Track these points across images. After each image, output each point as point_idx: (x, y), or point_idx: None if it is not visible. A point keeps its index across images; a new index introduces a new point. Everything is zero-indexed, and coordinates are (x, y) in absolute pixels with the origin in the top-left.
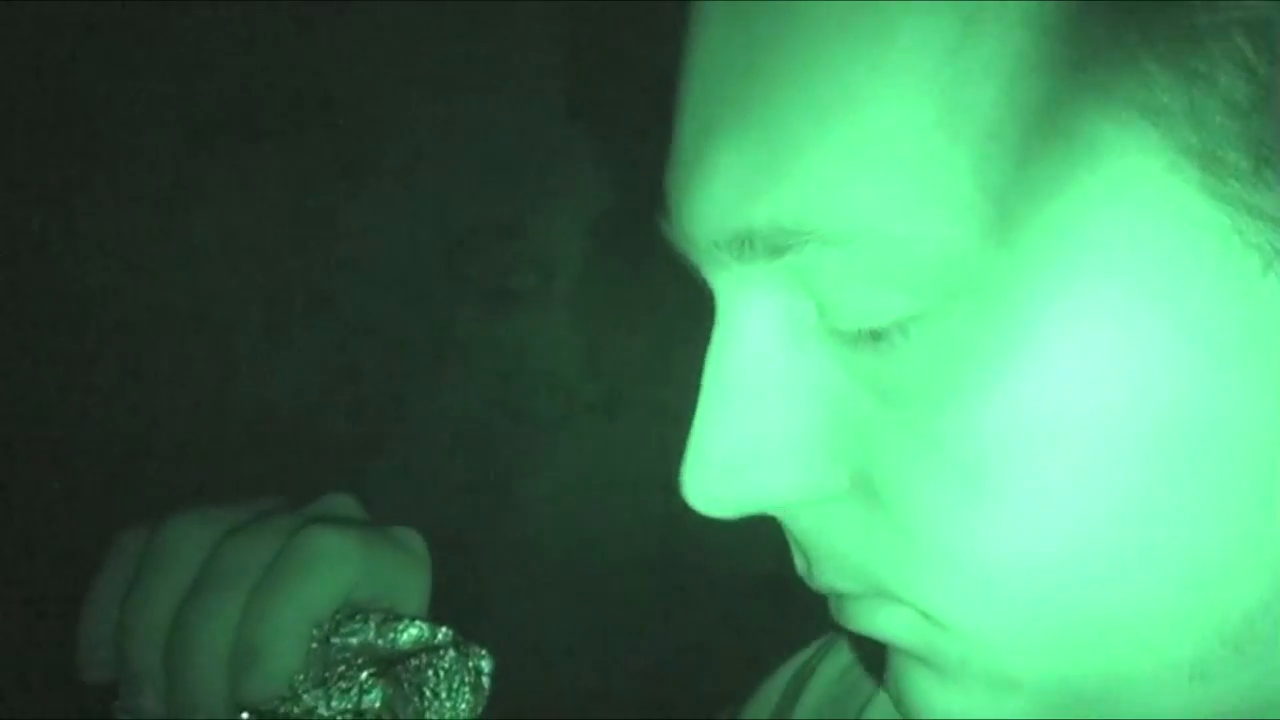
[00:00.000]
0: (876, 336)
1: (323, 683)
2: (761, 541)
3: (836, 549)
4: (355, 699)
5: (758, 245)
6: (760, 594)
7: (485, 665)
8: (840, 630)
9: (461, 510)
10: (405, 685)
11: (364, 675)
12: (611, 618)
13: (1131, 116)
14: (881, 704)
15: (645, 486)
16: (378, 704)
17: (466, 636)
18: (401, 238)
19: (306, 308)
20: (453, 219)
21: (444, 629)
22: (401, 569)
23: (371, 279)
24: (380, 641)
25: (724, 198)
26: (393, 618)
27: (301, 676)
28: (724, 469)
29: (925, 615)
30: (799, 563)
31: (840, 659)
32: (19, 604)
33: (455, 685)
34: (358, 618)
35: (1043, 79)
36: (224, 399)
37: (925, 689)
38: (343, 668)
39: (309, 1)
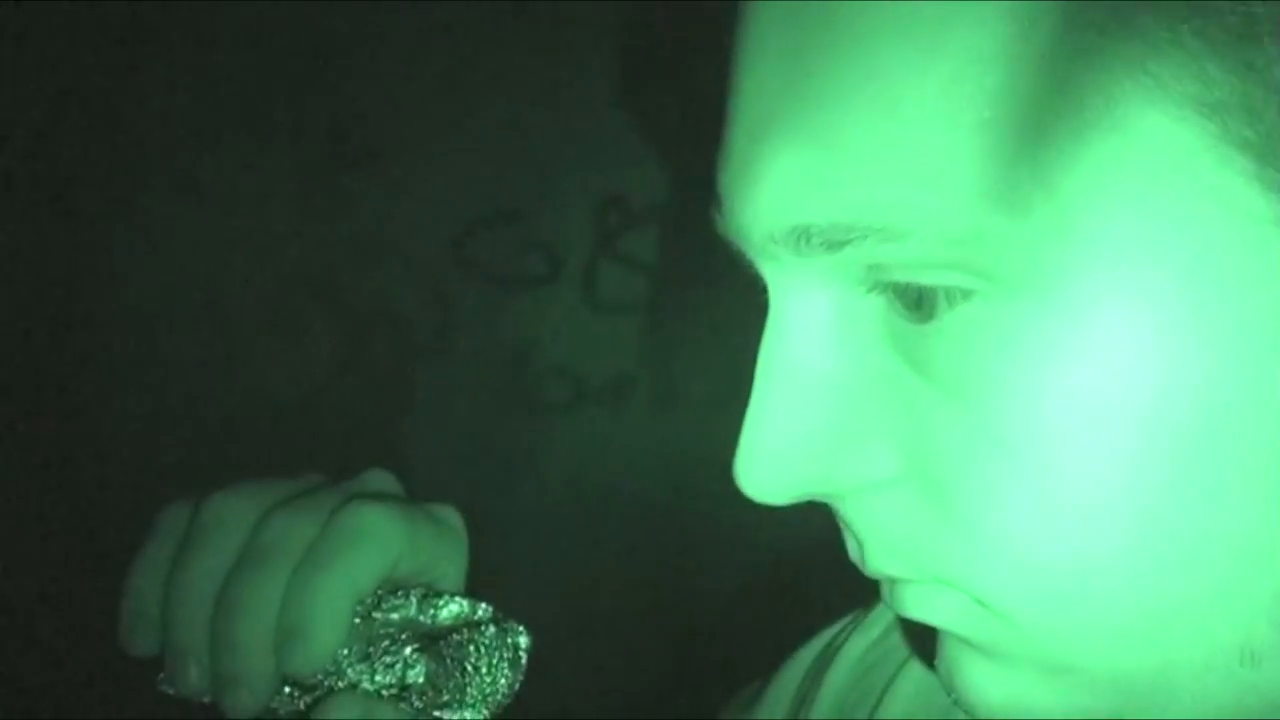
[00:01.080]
0: (932, 327)
1: (366, 657)
2: (768, 527)
3: (889, 534)
4: (399, 673)
5: (815, 240)
6: (766, 578)
7: (523, 641)
8: (866, 608)
9: (469, 496)
10: (448, 660)
11: (408, 650)
12: (619, 602)
13: (1187, 112)
14: (907, 680)
15: (654, 472)
16: (421, 679)
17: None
18: (410, 224)
19: (315, 294)
20: (461, 206)
21: (483, 605)
22: (441, 545)
23: (380, 266)
24: (421, 617)
25: (782, 195)
26: (433, 593)
27: (345, 651)
28: (777, 457)
29: (978, 601)
30: (851, 548)
31: (867, 635)
32: (36, 581)
33: (495, 661)
34: (399, 593)
35: (1097, 77)
36: (232, 386)
37: (977, 674)
38: (386, 643)
39: None
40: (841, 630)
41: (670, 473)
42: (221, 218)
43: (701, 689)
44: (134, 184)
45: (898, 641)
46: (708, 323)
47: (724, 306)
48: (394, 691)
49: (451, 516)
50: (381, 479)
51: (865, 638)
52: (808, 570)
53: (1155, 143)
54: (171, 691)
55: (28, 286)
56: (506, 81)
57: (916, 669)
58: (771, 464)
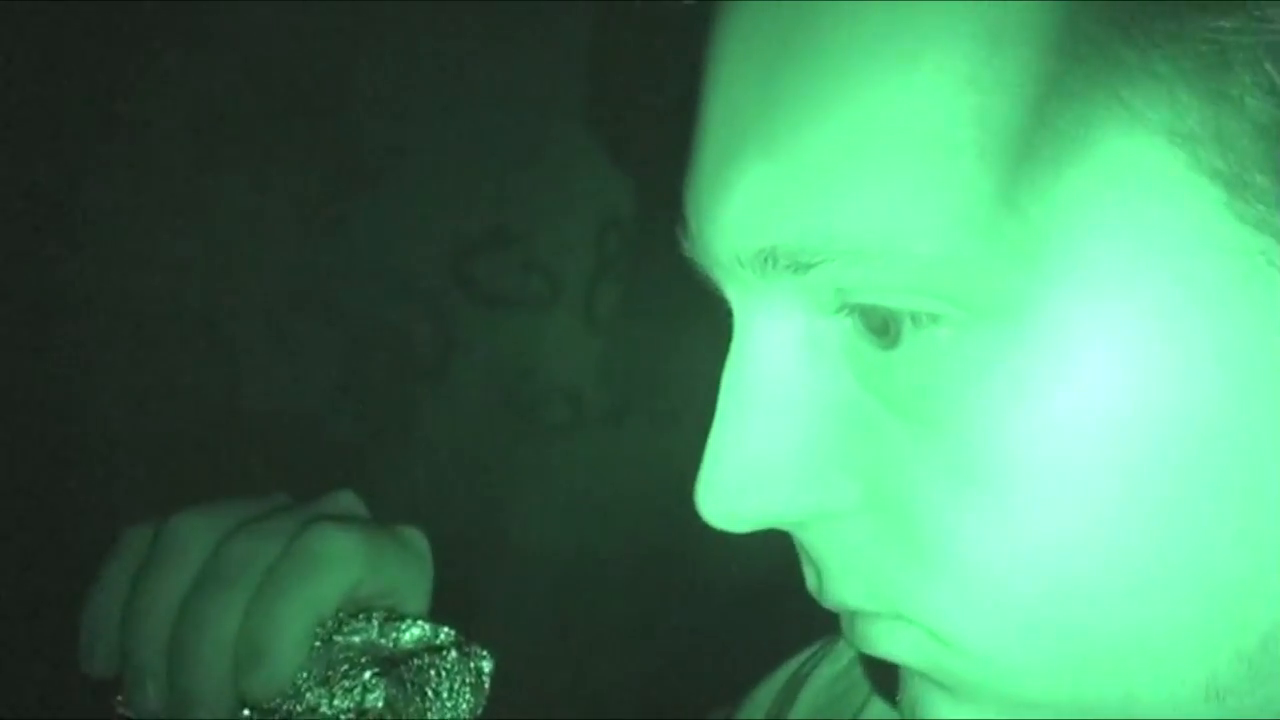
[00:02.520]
0: (897, 353)
1: (325, 681)
2: (769, 550)
3: (848, 565)
4: (358, 698)
5: (781, 262)
6: (768, 601)
7: (486, 665)
8: (837, 634)
9: (468, 517)
10: (408, 685)
11: (367, 675)
12: (617, 623)
13: (1159, 140)
14: (876, 708)
15: (653, 495)
16: (380, 703)
17: (470, 640)
18: (410, 244)
19: (314, 313)
20: (461, 226)
21: (446, 629)
22: (404, 567)
23: (379, 285)
24: (383, 640)
25: (750, 215)
26: (395, 617)
27: (305, 675)
28: (738, 485)
29: (935, 636)
30: (810, 578)
31: (837, 663)
32: (23, 602)
33: (456, 685)
34: (360, 616)
35: (1071, 103)
36: (230, 403)
37: (939, 711)
38: (346, 666)
39: (319, 4)
40: (811, 657)
41: (669, 492)
42: (222, 236)
43: (694, 704)
44: (133, 201)
45: None
46: (707, 345)
47: (723, 329)
48: (351, 716)
49: (416, 539)
50: (346, 500)
51: (835, 665)
52: (799, 591)
53: (1128, 171)
54: (128, 713)
55: (25, 300)
56: (509, 103)
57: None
58: (733, 492)
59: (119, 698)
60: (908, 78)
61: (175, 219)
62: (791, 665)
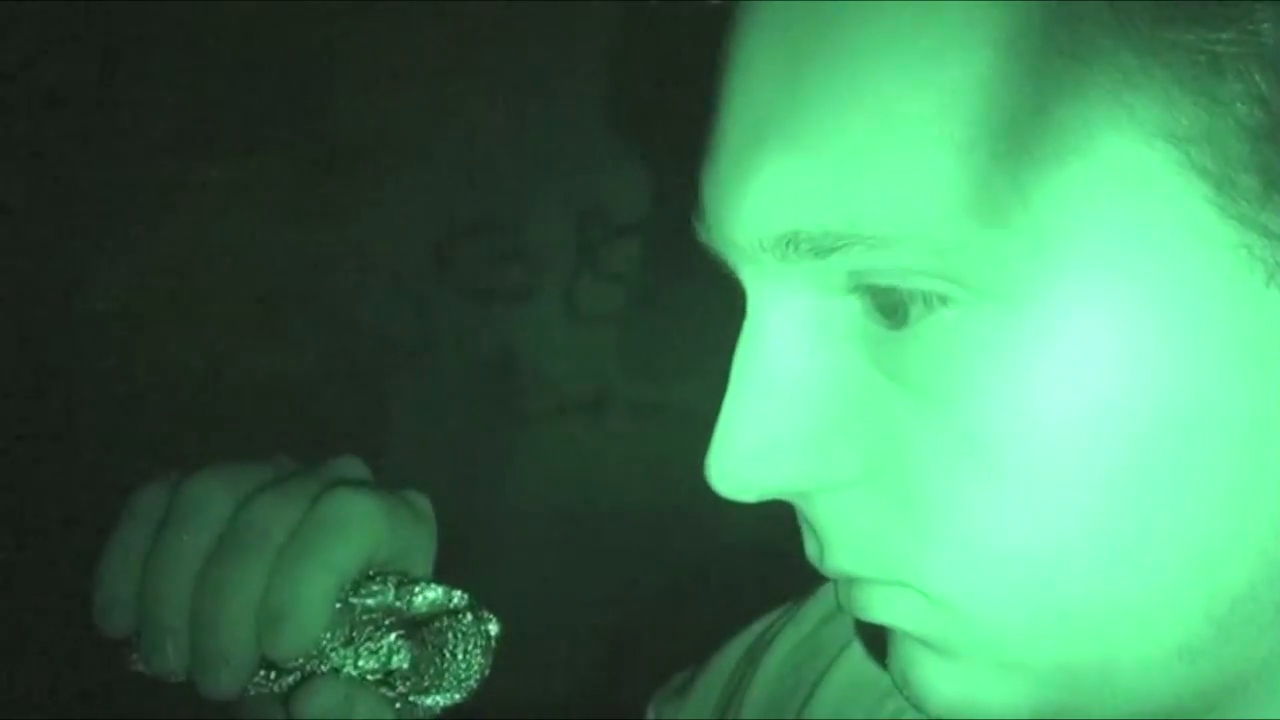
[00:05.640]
0: (907, 332)
1: (350, 642)
2: (746, 542)
3: (849, 533)
4: (384, 659)
5: (803, 246)
6: (748, 591)
7: (493, 629)
8: (799, 602)
9: (449, 506)
10: (429, 647)
11: (392, 636)
12: (598, 613)
13: (1155, 140)
14: (839, 673)
15: (632, 482)
16: (405, 664)
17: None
18: (392, 235)
19: (297, 304)
20: (443, 217)
21: (459, 592)
22: (414, 532)
23: (361, 276)
24: (398, 603)
25: (773, 203)
26: (409, 580)
27: (328, 636)
28: (748, 457)
29: (932, 601)
30: (811, 547)
31: (800, 628)
32: (31, 571)
33: (470, 647)
34: (376, 579)
35: (1075, 104)
36: (214, 395)
37: (930, 673)
38: (370, 629)
39: (306, 1)
40: (775, 622)
41: (649, 482)
42: (206, 226)
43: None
44: (122, 189)
45: (830, 635)
46: (687, 335)
47: (702, 318)
48: (378, 676)
49: (423, 503)
50: (353, 466)
51: (798, 631)
52: (776, 571)
53: (1125, 166)
54: (144, 670)
55: (20, 284)
56: (490, 93)
57: (848, 663)
58: (742, 463)
59: (134, 655)
60: (929, 77)
61: (164, 211)
62: (756, 629)
